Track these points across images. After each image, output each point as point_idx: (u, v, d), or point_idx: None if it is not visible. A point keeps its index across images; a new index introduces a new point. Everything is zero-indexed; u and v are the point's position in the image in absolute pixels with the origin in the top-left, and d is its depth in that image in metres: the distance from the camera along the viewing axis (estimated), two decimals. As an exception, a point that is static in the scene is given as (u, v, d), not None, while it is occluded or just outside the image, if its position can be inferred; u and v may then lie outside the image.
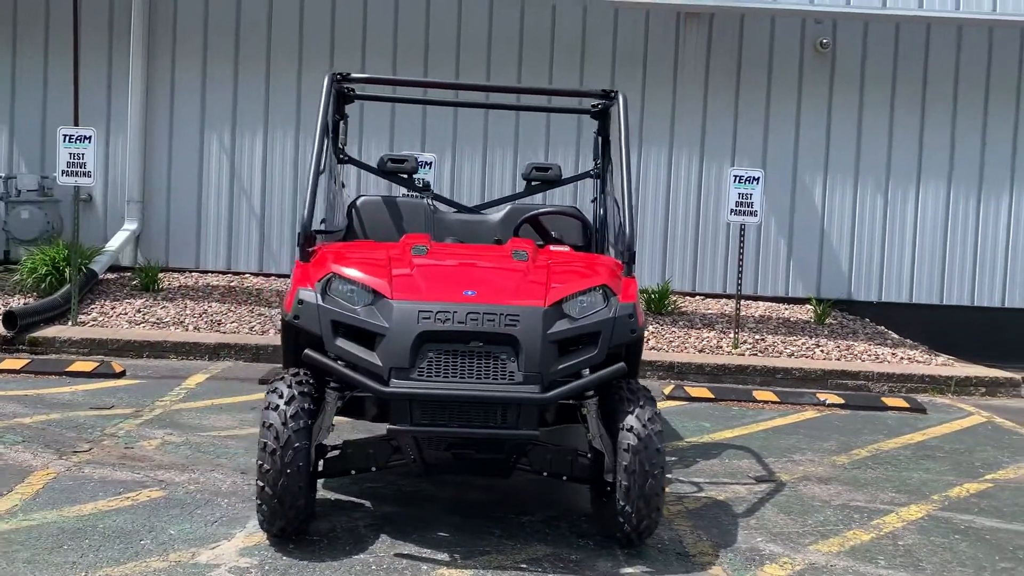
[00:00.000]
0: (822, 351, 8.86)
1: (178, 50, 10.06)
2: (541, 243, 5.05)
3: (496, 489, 4.86)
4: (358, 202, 5.60)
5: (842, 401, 7.51)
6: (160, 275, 9.45)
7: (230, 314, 8.95)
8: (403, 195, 6.00)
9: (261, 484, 3.81)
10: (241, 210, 10.23)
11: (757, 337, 8.97)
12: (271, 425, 3.84)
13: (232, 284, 9.83)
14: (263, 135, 10.15)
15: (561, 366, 3.91)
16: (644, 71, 10.04)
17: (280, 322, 5.73)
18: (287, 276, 9.89)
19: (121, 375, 7.18)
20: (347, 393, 4.15)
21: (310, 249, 4.43)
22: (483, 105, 6.54)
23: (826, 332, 9.32)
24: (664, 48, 10.04)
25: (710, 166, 10.11)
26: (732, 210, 8.59)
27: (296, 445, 3.82)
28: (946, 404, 7.88)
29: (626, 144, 4.77)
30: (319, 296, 4.01)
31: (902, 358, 8.97)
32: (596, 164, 5.81)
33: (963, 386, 8.49)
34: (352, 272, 4.10)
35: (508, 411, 3.81)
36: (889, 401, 7.64)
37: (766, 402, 7.41)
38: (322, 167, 5.55)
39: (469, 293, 4.00)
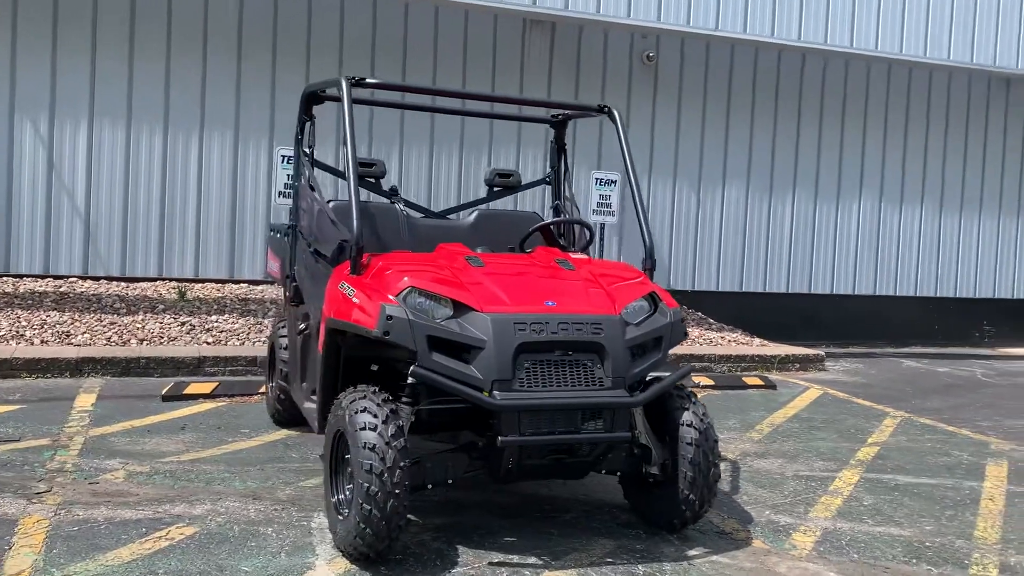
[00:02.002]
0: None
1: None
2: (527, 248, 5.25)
3: (514, 492, 5.00)
4: (330, 207, 5.40)
5: (712, 382, 8.42)
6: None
7: (77, 324, 8.05)
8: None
9: (368, 507, 3.70)
10: (62, 208, 9.17)
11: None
12: (374, 446, 3.74)
13: (62, 290, 8.78)
14: (87, 125, 9.14)
15: (636, 370, 4.18)
16: (493, 73, 10.36)
17: (278, 336, 5.49)
18: (122, 279, 9.09)
19: (-8, 401, 6.28)
20: (416, 407, 4.12)
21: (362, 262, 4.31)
22: (457, 112, 6.54)
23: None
24: (511, 52, 10.43)
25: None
26: (594, 210, 9.15)
27: (402, 464, 3.77)
28: (781, 380, 9.09)
29: (630, 156, 5.10)
30: (408, 311, 3.94)
31: (730, 340, 10.16)
32: (550, 171, 6.08)
33: (784, 363, 9.81)
34: (432, 285, 4.06)
35: (604, 415, 4.02)
36: (748, 380, 8.68)
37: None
38: (302, 175, 5.35)
39: (550, 303, 4.13)
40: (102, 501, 4.49)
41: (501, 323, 3.94)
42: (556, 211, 6.00)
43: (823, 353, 10.22)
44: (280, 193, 8.22)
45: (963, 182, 12.73)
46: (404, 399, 4.05)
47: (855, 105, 11.96)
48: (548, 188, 6.19)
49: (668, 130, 11.14)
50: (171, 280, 9.37)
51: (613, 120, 5.23)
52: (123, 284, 9.12)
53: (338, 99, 5.73)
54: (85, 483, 4.77)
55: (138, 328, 8.11)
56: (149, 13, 9.23)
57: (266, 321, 8.67)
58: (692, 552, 4.30)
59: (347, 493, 4.06)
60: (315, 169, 5.37)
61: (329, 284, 4.49)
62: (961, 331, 12.88)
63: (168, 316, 8.42)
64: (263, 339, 8.35)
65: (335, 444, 4.13)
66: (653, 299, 4.44)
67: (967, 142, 12.67)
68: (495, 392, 3.87)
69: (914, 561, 4.34)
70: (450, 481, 4.22)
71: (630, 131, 10.85)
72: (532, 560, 4.08)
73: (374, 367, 4.64)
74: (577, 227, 5.81)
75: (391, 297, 4.01)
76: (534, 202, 10.13)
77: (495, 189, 6.00)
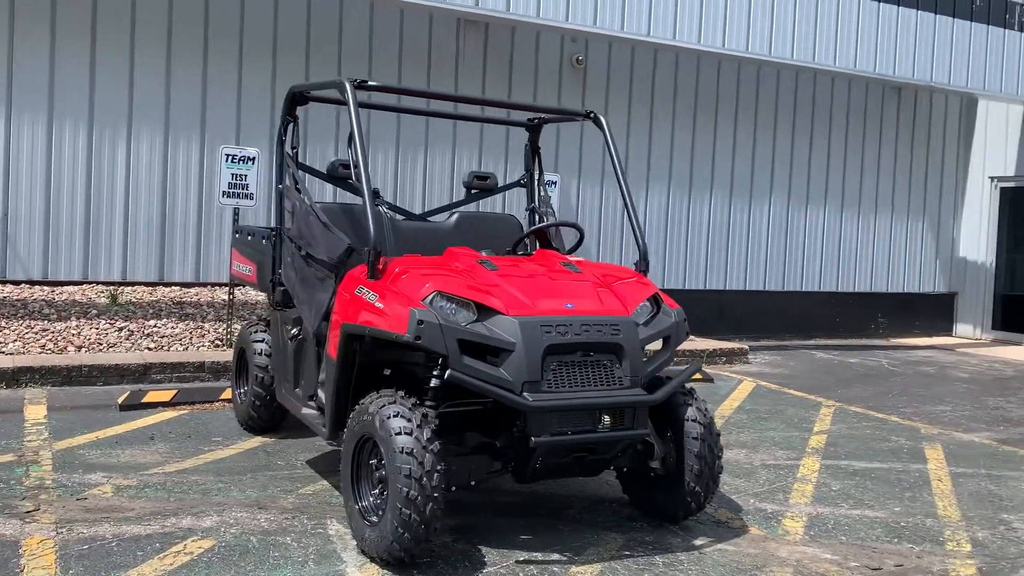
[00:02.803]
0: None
1: None
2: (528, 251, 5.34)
3: (516, 492, 5.08)
4: (314, 209, 5.33)
5: (656, 377, 8.71)
6: None
7: (6, 331, 7.64)
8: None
9: (408, 512, 3.72)
10: (-25, 206, 8.59)
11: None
12: (411, 450, 3.76)
13: (-20, 295, 8.26)
14: (5, 120, 8.61)
15: (650, 368, 4.35)
16: (428, 71, 10.35)
17: (288, 340, 5.40)
18: (45, 283, 8.65)
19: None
20: (438, 411, 4.15)
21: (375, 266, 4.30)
22: (438, 114, 6.51)
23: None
24: (446, 51, 10.45)
25: (486, 166, 10.76)
26: (224, 192, 7.91)
27: (439, 468, 3.80)
28: (715, 373, 9.49)
29: (618, 160, 5.26)
30: (437, 316, 3.96)
31: (661, 336, 10.50)
32: (526, 173, 6.18)
33: (711, 357, 10.24)
34: (457, 289, 4.09)
35: (625, 413, 4.16)
36: (688, 374, 9.00)
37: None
38: (287, 177, 5.25)
39: (569, 306, 4.24)
40: (101, 517, 4.32)
41: (529, 326, 4.02)
42: (532, 213, 6.11)
43: (747, 347, 10.72)
44: (224, 193, 7.97)
45: (860, 184, 13.56)
46: (427, 403, 4.07)
47: (766, 110, 12.56)
48: (521, 190, 6.28)
49: (596, 132, 11.39)
50: (98, 283, 8.94)
51: (600, 126, 5.38)
52: (47, 288, 8.64)
53: (324, 100, 5.68)
54: (73, 500, 4.56)
55: (73, 335, 7.72)
56: (72, 1, 8.77)
57: (207, 325, 8.41)
58: (698, 542, 4.50)
59: (372, 498, 4.06)
60: (299, 171, 5.28)
61: (341, 289, 4.45)
62: (859, 323, 13.72)
63: (103, 321, 8.04)
64: (207, 344, 8.10)
65: (357, 450, 4.12)
66: (656, 300, 4.61)
67: (864, 146, 13.51)
68: (525, 394, 3.95)
69: (896, 540, 4.68)
70: (472, 483, 4.27)
71: (560, 134, 11.11)
72: (556, 556, 4.18)
73: (387, 372, 4.62)
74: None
75: (419, 302, 4.02)
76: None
77: (472, 191, 6.06)
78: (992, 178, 14.21)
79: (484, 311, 4.08)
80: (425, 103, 7.15)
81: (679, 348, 9.44)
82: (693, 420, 4.51)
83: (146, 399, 6.50)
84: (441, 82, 10.38)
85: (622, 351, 4.21)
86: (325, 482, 5.07)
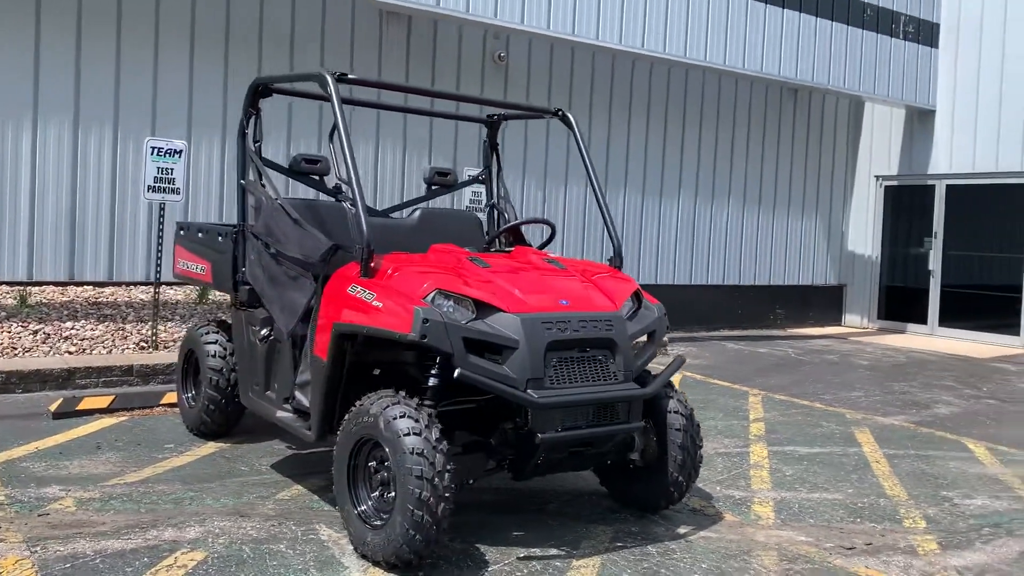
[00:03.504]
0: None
1: None
2: (509, 248, 5.34)
3: (498, 489, 5.07)
4: (284, 206, 5.16)
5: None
6: None
7: (-94, 337, 7.00)
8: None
9: (420, 513, 3.67)
10: None
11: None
12: (422, 451, 3.71)
13: None
14: None
15: (639, 362, 4.43)
16: (351, 63, 10.14)
17: (260, 341, 5.17)
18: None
19: None
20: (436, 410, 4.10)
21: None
22: (402, 109, 6.35)
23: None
24: (369, 43, 10.26)
25: (411, 158, 10.64)
26: (149, 187, 7.55)
27: (449, 467, 3.77)
28: (641, 365, 9.72)
29: (588, 158, 5.32)
30: (440, 314, 3.91)
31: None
32: (484, 169, 6.16)
33: (635, 349, 10.47)
34: (456, 287, 4.05)
35: (620, 407, 4.23)
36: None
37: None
38: (251, 172, 5.08)
39: (564, 302, 4.26)
40: (73, 534, 4.06)
41: (531, 323, 4.03)
42: (493, 210, 6.10)
43: (666, 339, 11.03)
44: (149, 188, 7.57)
45: (761, 182, 14.16)
46: (426, 402, 4.02)
47: (676, 109, 12.93)
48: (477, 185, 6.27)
49: (517, 129, 11.45)
50: (2, 284, 8.34)
51: (568, 125, 5.43)
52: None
53: (288, 93, 5.50)
54: (34, 516, 4.26)
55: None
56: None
57: (129, 327, 7.99)
58: (682, 530, 4.63)
59: (372, 501, 3.98)
60: (259, 166, 5.10)
61: (329, 287, 4.33)
62: (759, 315, 14.33)
63: (15, 324, 7.52)
64: (131, 346, 7.70)
65: (354, 452, 4.02)
66: (637, 295, 4.70)
67: (764, 146, 14.11)
68: (529, 391, 3.95)
69: (858, 520, 4.95)
70: (471, 482, 4.25)
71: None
72: (553, 552, 4.21)
73: (376, 372, 4.53)
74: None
75: (421, 300, 3.96)
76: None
77: (433, 187, 6.00)
78: (877, 177, 15.10)
79: (484, 308, 4.06)
80: (403, 99, 7.01)
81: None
82: (675, 412, 4.63)
83: (81, 406, 6.12)
84: (363, 74, 10.19)
85: (615, 346, 4.27)
86: (299, 487, 4.92)
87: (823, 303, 15.23)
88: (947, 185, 14.13)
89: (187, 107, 9.21)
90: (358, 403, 4.02)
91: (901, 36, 13.54)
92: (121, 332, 7.85)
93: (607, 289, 4.57)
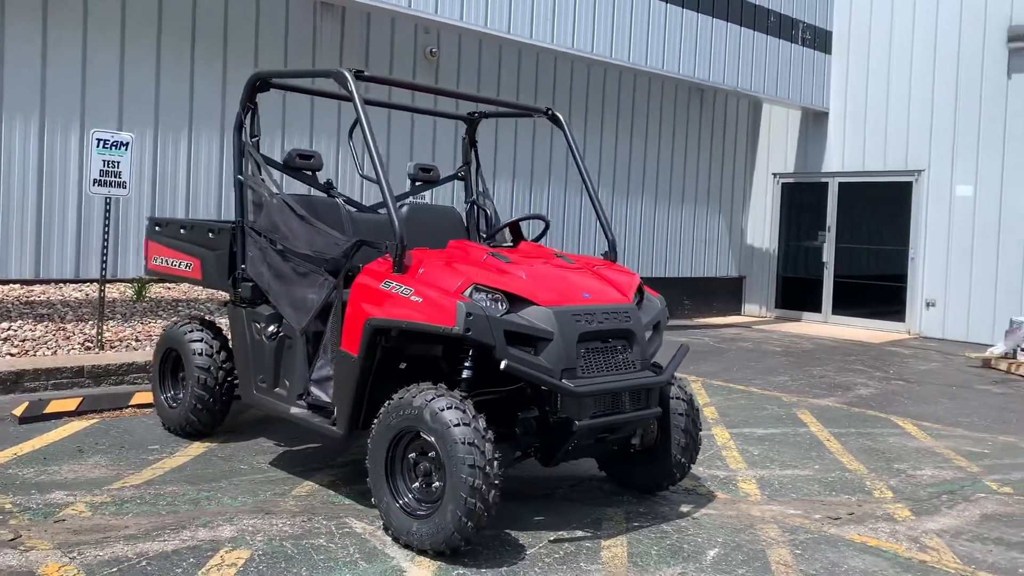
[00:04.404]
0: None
1: None
2: (512, 243, 5.47)
3: (508, 477, 5.20)
4: (289, 202, 5.11)
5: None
6: None
7: None
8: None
9: (473, 501, 3.79)
10: None
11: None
12: (472, 441, 3.83)
13: None
14: None
15: (651, 351, 4.68)
16: (285, 56, 9.98)
17: (283, 336, 5.05)
18: None
19: None
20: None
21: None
22: (385, 104, 6.31)
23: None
24: (303, 36, 10.12)
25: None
26: (95, 180, 7.23)
27: (498, 456, 3.90)
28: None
29: (580, 156, 5.51)
30: (481, 308, 4.02)
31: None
32: (464, 166, 6.26)
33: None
34: (493, 281, 4.17)
35: (643, 394, 4.46)
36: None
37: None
38: (250, 167, 5.03)
39: (586, 295, 4.45)
40: (101, 538, 3.95)
41: (564, 315, 4.20)
42: (473, 205, 6.21)
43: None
44: (95, 181, 7.26)
45: (671, 178, 14.75)
46: (460, 394, 4.13)
47: (595, 105, 13.31)
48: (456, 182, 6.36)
49: (449, 127, 11.53)
50: (-79, 282, 7.83)
51: (559, 124, 5.60)
52: None
53: (287, 88, 5.46)
54: (50, 522, 4.12)
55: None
56: None
57: (69, 326, 7.64)
58: (685, 509, 4.91)
59: (415, 492, 4.06)
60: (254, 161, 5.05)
61: (359, 284, 4.34)
62: (669, 306, 14.87)
63: (-52, 325, 7.08)
64: (76, 346, 7.37)
65: (393, 444, 4.09)
66: (640, 288, 4.95)
67: (673, 143, 14.70)
68: (564, 380, 4.13)
69: (834, 493, 5.37)
70: (503, 470, 4.37)
71: (415, 123, 11.14)
72: (579, 533, 4.41)
73: (402, 365, 4.59)
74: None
75: (460, 295, 4.07)
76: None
77: (416, 183, 6.06)
78: (775, 174, 15.99)
79: (516, 302, 4.19)
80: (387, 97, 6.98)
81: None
82: (677, 398, 4.90)
83: (48, 409, 5.86)
84: (297, 66, 10.06)
85: (633, 337, 4.50)
86: (310, 483, 4.92)
87: (725, 294, 16.01)
88: (839, 182, 15.12)
89: (118, 98, 8.85)
90: (397, 396, 4.09)
91: (800, 42, 14.38)
92: (63, 332, 7.51)
93: (616, 282, 4.78)
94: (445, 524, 3.86)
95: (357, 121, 4.50)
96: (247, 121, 5.13)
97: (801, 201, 15.81)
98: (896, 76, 14.27)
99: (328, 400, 4.58)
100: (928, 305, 13.99)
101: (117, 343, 7.57)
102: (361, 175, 5.22)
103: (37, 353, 7.13)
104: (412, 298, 4.12)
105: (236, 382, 5.58)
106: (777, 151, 15.96)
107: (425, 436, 3.96)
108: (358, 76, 4.58)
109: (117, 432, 5.73)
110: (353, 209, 5.70)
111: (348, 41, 10.49)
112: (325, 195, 5.55)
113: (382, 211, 5.93)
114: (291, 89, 5.62)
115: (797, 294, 15.87)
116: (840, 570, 4.13)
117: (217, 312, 8.68)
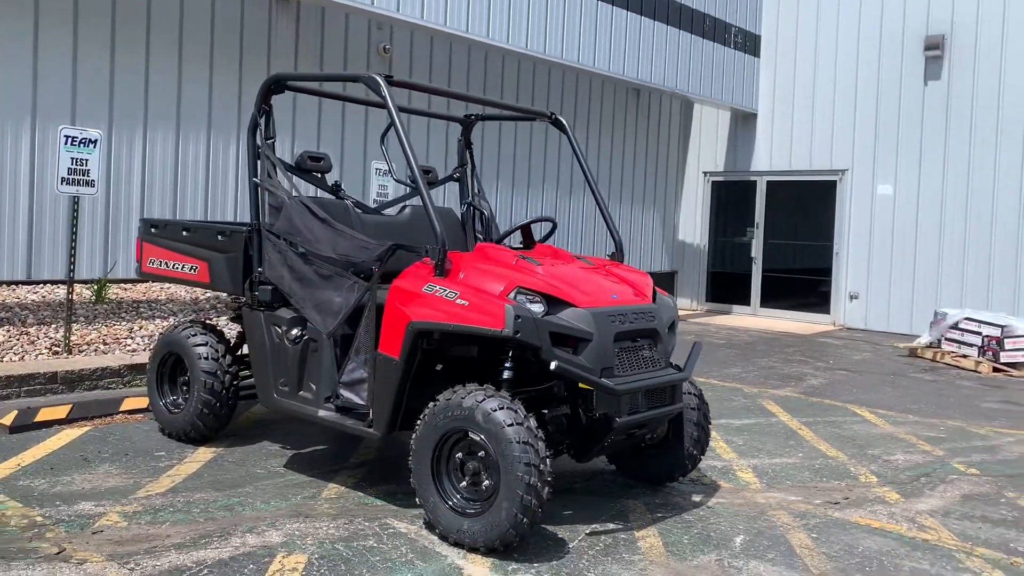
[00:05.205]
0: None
1: None
2: (523, 245, 5.57)
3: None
4: (310, 205, 5.08)
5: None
6: None
7: None
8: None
9: (529, 498, 3.91)
10: None
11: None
12: (526, 440, 3.95)
13: None
14: None
15: (669, 349, 4.88)
16: (241, 53, 9.78)
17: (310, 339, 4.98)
18: None
19: None
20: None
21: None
22: (383, 106, 6.27)
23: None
24: (259, 31, 9.93)
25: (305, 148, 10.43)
26: (63, 179, 6.97)
27: (549, 453, 4.03)
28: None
29: (584, 159, 5.67)
30: (527, 310, 4.13)
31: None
32: (460, 167, 6.33)
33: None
34: (534, 284, 4.28)
35: (669, 391, 4.65)
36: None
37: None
38: (267, 170, 5.01)
39: (614, 296, 4.61)
40: (151, 548, 3.90)
41: (601, 316, 4.35)
42: (470, 207, 6.29)
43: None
44: (63, 180, 6.99)
45: (610, 175, 15.08)
46: (507, 394, 4.23)
47: (540, 104, 13.48)
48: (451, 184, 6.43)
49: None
50: None
51: (562, 129, 5.74)
52: None
53: (303, 91, 5.42)
54: (88, 534, 4.04)
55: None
56: None
57: (32, 330, 7.35)
58: (697, 499, 5.15)
59: (463, 491, 4.14)
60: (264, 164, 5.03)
61: (399, 287, 4.38)
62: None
63: (-94, 331, 6.72)
64: (43, 351, 7.10)
65: (439, 445, 4.16)
66: (653, 289, 5.14)
67: (612, 141, 15.03)
68: (603, 379, 4.28)
69: (823, 479, 5.70)
70: (538, 467, 4.50)
71: (369, 118, 11.08)
72: (611, 525, 4.58)
73: (438, 367, 4.65)
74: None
75: (506, 297, 4.17)
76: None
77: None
78: (705, 173, 16.53)
79: (555, 304, 4.32)
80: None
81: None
82: (689, 392, 5.13)
83: (39, 418, 5.66)
84: (253, 64, 9.88)
85: (657, 336, 4.69)
86: (335, 485, 4.94)
87: (659, 287, 16.43)
88: (767, 181, 15.75)
89: (71, 94, 8.52)
90: (443, 398, 4.17)
91: (732, 46, 14.91)
92: (27, 336, 7.22)
93: (635, 283, 4.96)
94: (500, 521, 3.96)
95: (391, 126, 4.54)
96: (262, 123, 5.08)
97: (731, 198, 16.40)
98: (821, 80, 14.96)
99: (361, 402, 4.61)
100: (851, 298, 14.74)
101: (85, 347, 7.33)
102: (396, 179, 5.25)
103: (4, 359, 6.84)
104: (458, 301, 4.20)
105: (241, 385, 5.53)
106: (708, 150, 16.50)
107: (474, 436, 4.05)
108: (389, 81, 4.61)
109: (115, 439, 5.59)
110: (359, 211, 5.71)
111: (303, 37, 10.36)
112: (334, 197, 5.55)
113: (385, 212, 5.96)
114: (308, 92, 5.57)
115: (727, 288, 16.46)
116: (857, 551, 4.43)
117: (182, 313, 8.48)
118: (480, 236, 6.18)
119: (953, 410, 8.22)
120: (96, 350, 7.35)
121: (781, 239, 15.81)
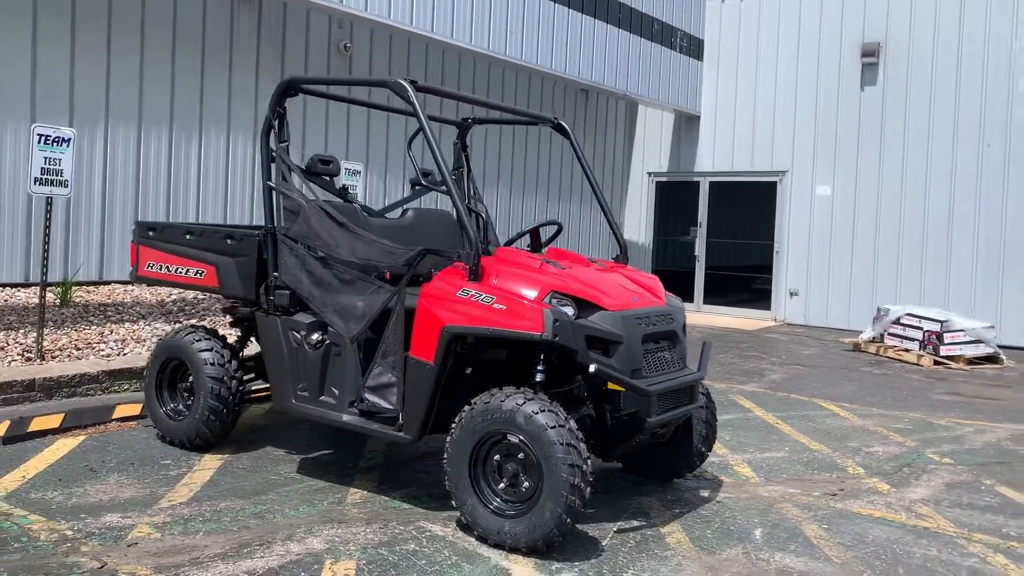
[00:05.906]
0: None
1: None
2: (532, 249, 5.63)
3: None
4: (328, 210, 5.03)
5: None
6: None
7: None
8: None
9: (572, 498, 3.99)
10: None
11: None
12: (569, 443, 4.03)
13: None
14: None
15: (684, 350, 5.02)
16: (203, 51, 9.56)
17: (349, 338, 4.90)
18: None
19: None
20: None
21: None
22: (382, 107, 6.18)
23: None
24: (221, 29, 9.72)
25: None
26: (36, 179, 6.73)
27: (590, 454, 4.12)
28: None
29: (586, 164, 5.77)
30: (563, 313, 4.21)
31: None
32: (455, 170, 6.35)
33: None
34: (567, 288, 4.35)
35: (688, 390, 4.79)
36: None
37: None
38: (283, 174, 4.97)
39: (636, 299, 4.72)
40: (194, 559, 3.85)
41: (629, 319, 4.46)
42: (468, 210, 6.30)
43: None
44: (36, 180, 6.73)
45: (560, 175, 15.24)
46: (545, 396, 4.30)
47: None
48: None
49: (360, 114, 11.43)
50: None
51: (565, 134, 5.83)
52: None
53: (317, 95, 5.37)
54: (123, 546, 3.95)
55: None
56: None
57: (1, 336, 7.06)
58: (705, 494, 5.32)
59: (502, 493, 4.19)
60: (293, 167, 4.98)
61: (432, 291, 4.40)
62: (557, 299, 15.44)
63: None
64: (16, 357, 6.84)
65: (477, 447, 4.21)
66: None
67: (561, 140, 15.18)
68: (633, 379, 4.40)
69: (815, 472, 5.96)
70: (569, 466, 4.59)
71: (329, 117, 10.97)
72: (635, 523, 4.70)
73: (468, 370, 4.68)
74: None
75: (543, 301, 4.24)
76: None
77: (416, 188, 6.10)
78: (649, 173, 16.87)
79: (585, 307, 4.41)
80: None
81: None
82: (699, 391, 5.28)
83: (32, 428, 5.47)
84: (215, 61, 9.67)
85: (676, 337, 4.84)
86: (357, 490, 4.92)
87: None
88: (710, 181, 16.17)
89: (29, 93, 8.21)
90: (481, 401, 4.21)
91: (677, 49, 15.25)
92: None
93: (649, 286, 5.10)
94: (544, 522, 4.03)
95: (420, 131, 4.55)
96: (276, 126, 5.02)
97: (675, 199, 16.78)
98: (762, 84, 15.43)
99: (388, 406, 4.61)
100: (791, 294, 15.26)
101: (58, 352, 7.09)
102: (424, 184, 5.24)
103: (-24, 366, 6.57)
104: (495, 305, 4.25)
105: (245, 390, 5.46)
106: (652, 152, 16.84)
107: (512, 438, 4.11)
108: (415, 87, 4.61)
109: (115, 448, 5.44)
110: (366, 214, 5.69)
111: (264, 35, 10.19)
112: (342, 200, 5.52)
113: (389, 216, 5.95)
114: (322, 95, 5.51)
115: (671, 285, 16.60)
116: (868, 540, 4.66)
117: (152, 317, 8.26)
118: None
119: (910, 402, 8.64)
120: (69, 356, 7.11)
121: (724, 238, 16.25)
